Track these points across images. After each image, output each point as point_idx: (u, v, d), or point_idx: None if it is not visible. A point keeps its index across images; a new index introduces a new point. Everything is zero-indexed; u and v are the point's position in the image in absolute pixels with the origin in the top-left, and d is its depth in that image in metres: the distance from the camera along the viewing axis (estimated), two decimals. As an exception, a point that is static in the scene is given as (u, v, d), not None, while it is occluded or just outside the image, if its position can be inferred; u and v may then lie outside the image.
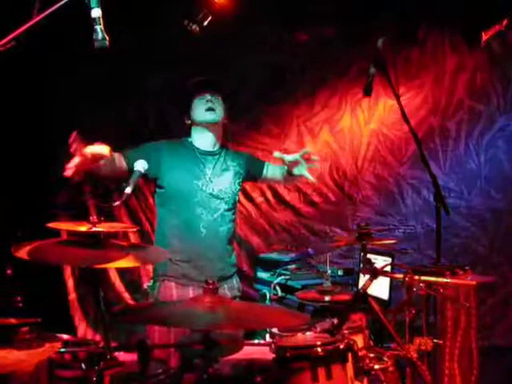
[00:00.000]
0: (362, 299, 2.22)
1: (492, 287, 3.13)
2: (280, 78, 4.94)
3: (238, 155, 3.03)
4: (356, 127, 5.01)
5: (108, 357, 1.91)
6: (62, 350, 1.99)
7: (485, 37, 4.32)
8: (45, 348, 1.84)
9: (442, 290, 2.37)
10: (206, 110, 2.84)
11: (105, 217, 2.11)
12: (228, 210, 2.86)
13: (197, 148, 2.90)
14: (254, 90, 4.90)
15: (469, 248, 4.67)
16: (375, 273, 2.19)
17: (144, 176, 2.55)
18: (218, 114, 2.86)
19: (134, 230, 3.99)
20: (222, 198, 2.84)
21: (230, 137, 3.48)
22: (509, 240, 4.68)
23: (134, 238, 4.52)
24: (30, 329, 1.77)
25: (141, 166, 2.39)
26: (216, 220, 2.80)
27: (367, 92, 3.25)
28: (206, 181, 2.83)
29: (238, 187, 2.94)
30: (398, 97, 3.20)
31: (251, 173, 3.01)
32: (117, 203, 2.15)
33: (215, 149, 2.93)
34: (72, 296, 4.61)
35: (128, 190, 2.22)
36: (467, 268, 3.03)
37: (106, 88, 4.53)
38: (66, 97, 4.54)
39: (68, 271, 4.58)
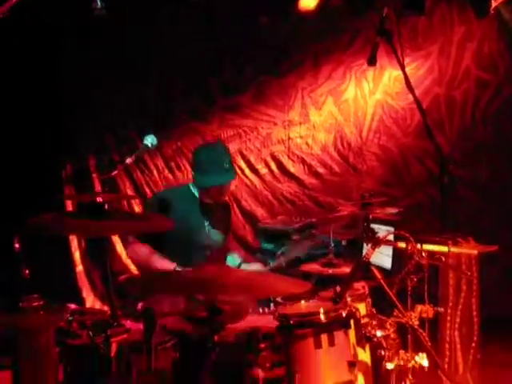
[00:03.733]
0: (365, 268, 2.24)
1: (494, 257, 3.14)
2: (284, 49, 4.89)
3: None
4: (361, 98, 4.97)
5: (115, 324, 1.95)
6: (70, 318, 2.04)
7: (494, 4, 4.22)
8: (53, 316, 1.87)
9: (443, 259, 2.39)
10: None
11: (108, 188, 2.14)
12: None
13: None
14: (258, 62, 4.86)
15: (474, 220, 4.66)
16: (377, 241, 2.20)
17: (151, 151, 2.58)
18: None
19: (137, 199, 4.02)
20: None
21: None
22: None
23: (138, 210, 4.55)
24: (38, 297, 1.81)
25: (149, 140, 2.41)
26: None
27: (371, 61, 3.22)
28: None
29: None
30: (403, 67, 3.17)
31: None
32: (115, 172, 2.18)
33: None
34: (79, 268, 4.66)
35: (128, 160, 2.25)
36: (469, 238, 3.04)
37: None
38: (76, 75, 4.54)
39: (75, 243, 4.62)
